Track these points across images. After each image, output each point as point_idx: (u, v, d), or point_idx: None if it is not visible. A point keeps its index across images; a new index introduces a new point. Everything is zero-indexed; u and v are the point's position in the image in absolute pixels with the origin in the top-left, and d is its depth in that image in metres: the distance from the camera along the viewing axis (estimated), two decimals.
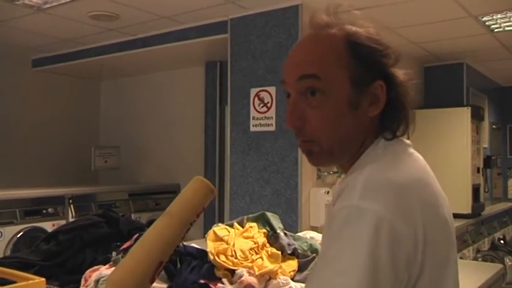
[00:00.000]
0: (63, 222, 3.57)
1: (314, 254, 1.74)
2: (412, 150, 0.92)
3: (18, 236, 3.45)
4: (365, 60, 0.87)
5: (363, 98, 0.87)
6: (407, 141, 0.93)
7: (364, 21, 0.92)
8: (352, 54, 0.87)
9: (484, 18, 3.41)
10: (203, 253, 1.61)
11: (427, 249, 0.77)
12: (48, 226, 3.55)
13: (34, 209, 3.61)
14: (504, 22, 3.48)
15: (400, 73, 0.90)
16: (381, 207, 0.74)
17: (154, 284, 1.48)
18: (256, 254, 1.62)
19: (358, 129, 0.88)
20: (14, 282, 1.24)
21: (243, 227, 1.78)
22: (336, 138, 0.87)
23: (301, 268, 1.67)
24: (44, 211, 3.66)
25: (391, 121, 0.89)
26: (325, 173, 3.20)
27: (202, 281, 1.48)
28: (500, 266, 2.41)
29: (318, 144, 0.88)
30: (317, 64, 0.87)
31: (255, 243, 1.65)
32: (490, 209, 4.76)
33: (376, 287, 0.72)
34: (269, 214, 1.83)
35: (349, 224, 0.75)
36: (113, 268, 1.33)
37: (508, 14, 3.32)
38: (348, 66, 0.86)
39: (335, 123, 0.87)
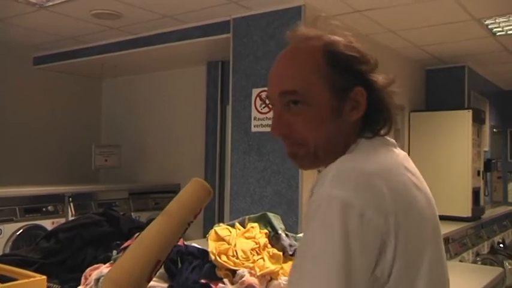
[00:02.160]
0: (62, 220, 3.56)
1: None
2: (392, 148, 0.95)
3: (18, 233, 3.44)
4: (343, 68, 0.91)
5: (344, 104, 0.91)
6: (391, 140, 0.96)
7: (342, 30, 0.96)
8: (330, 63, 0.91)
9: (487, 22, 3.41)
10: (204, 253, 1.61)
11: (400, 237, 0.79)
12: (48, 224, 3.55)
13: (34, 206, 3.60)
14: (507, 26, 3.48)
15: (379, 78, 0.94)
16: (349, 194, 0.77)
17: (156, 284, 1.47)
18: (258, 254, 1.61)
19: (341, 134, 0.92)
20: (15, 279, 1.24)
21: (244, 227, 1.78)
22: (321, 142, 0.91)
23: None
24: (44, 209, 3.65)
25: (372, 123, 0.94)
26: None
27: (203, 281, 1.48)
28: (500, 269, 2.41)
29: (305, 147, 0.92)
30: (296, 78, 0.91)
31: (256, 244, 1.64)
32: (490, 213, 4.76)
33: (349, 272, 0.73)
34: (271, 215, 1.83)
35: (319, 213, 0.78)
36: None
37: (511, 18, 3.32)
38: (327, 75, 0.90)
39: (319, 129, 0.91)
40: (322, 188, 0.80)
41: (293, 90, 0.91)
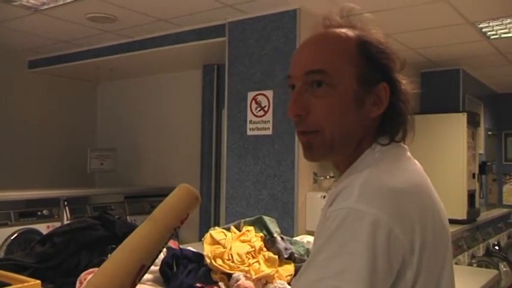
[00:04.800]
0: (58, 224, 3.55)
1: None
2: (409, 155, 0.93)
3: (13, 237, 3.42)
4: (373, 60, 0.90)
5: (367, 97, 0.89)
6: (404, 146, 0.95)
7: (374, 26, 0.95)
8: (362, 52, 0.89)
9: (481, 25, 3.43)
10: (200, 256, 1.61)
11: (425, 254, 0.78)
12: (43, 228, 3.53)
13: (29, 210, 3.58)
14: (500, 29, 3.50)
15: (404, 81, 0.93)
16: (378, 211, 0.74)
17: None
18: (253, 258, 1.61)
19: (359, 128, 0.89)
20: (9, 284, 1.23)
21: (240, 231, 1.78)
22: (339, 130, 0.88)
23: (298, 272, 1.67)
24: (39, 213, 3.63)
25: (389, 125, 0.91)
26: (322, 178, 3.20)
27: (198, 285, 1.48)
28: (495, 272, 2.42)
29: (321, 134, 0.88)
30: (325, 59, 0.89)
31: (252, 247, 1.64)
32: (485, 215, 4.78)
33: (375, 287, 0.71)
34: (266, 218, 1.83)
35: (345, 226, 0.75)
36: None
37: (505, 21, 3.34)
38: (357, 63, 0.89)
39: (339, 116, 0.88)
40: (349, 201, 0.77)
41: (321, 69, 0.87)
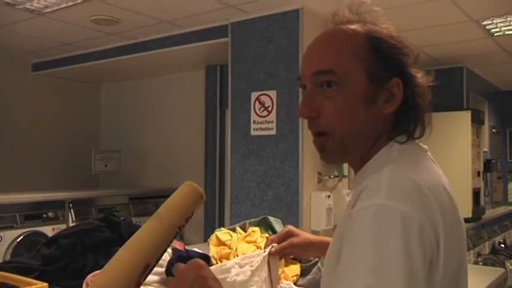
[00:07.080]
0: (63, 226, 3.56)
1: (316, 259, 1.73)
2: (428, 154, 0.92)
3: (18, 240, 3.43)
4: (383, 55, 0.87)
5: (379, 94, 0.87)
6: (424, 146, 0.93)
7: (385, 20, 0.93)
8: (371, 48, 0.87)
9: (484, 22, 3.41)
10: (205, 257, 1.61)
11: (447, 251, 0.77)
12: (48, 230, 3.54)
13: (34, 213, 3.60)
14: (504, 26, 3.49)
15: (418, 74, 0.91)
16: (409, 207, 0.73)
17: None
18: None
19: (372, 126, 0.88)
20: (17, 287, 1.24)
21: (245, 232, 1.78)
22: (350, 131, 0.87)
23: (303, 273, 1.67)
24: (44, 215, 3.65)
25: (405, 121, 0.89)
26: (326, 177, 3.20)
27: None
28: (502, 270, 2.40)
29: (332, 137, 0.87)
30: (333, 58, 0.87)
31: (257, 248, 1.64)
32: (490, 213, 4.76)
33: (413, 286, 0.69)
34: (271, 218, 1.83)
35: (377, 222, 0.72)
36: None
37: (508, 18, 3.33)
38: (366, 59, 0.86)
39: (349, 116, 0.86)
40: (377, 198, 0.74)
41: (329, 70, 0.86)
